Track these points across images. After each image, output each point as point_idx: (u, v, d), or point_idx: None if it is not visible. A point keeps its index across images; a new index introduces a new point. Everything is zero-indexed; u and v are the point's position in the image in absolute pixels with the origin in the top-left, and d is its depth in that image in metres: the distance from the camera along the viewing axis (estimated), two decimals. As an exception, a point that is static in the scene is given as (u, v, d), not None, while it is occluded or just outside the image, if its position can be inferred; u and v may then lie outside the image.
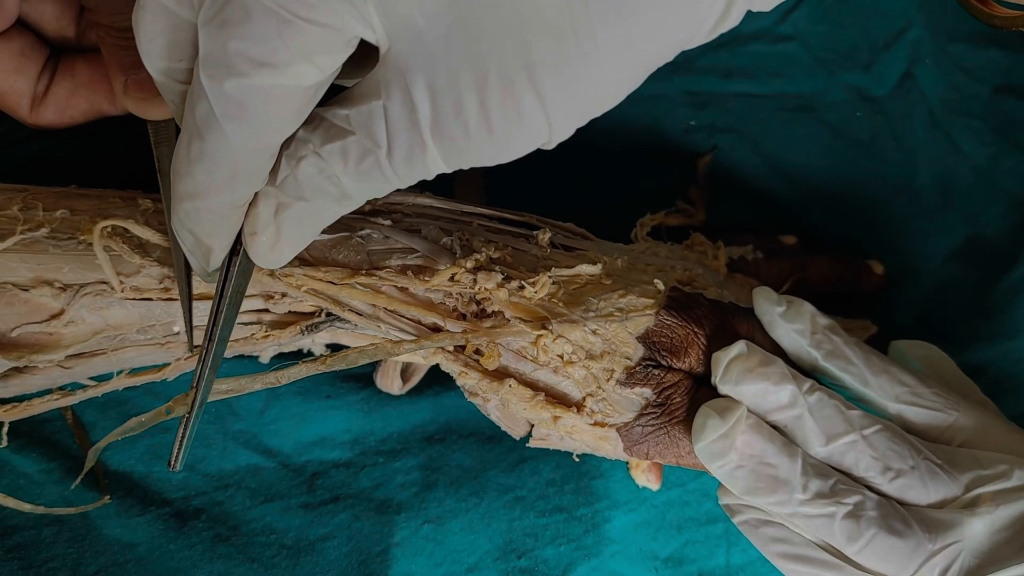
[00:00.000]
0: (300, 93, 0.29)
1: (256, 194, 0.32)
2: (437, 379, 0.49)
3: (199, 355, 0.37)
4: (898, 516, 0.38)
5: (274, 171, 0.31)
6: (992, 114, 0.57)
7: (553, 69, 0.28)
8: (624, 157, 0.55)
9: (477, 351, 0.42)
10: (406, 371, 0.48)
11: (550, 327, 0.40)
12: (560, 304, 0.41)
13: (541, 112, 0.29)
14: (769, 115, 0.57)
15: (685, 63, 0.56)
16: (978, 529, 0.38)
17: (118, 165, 0.46)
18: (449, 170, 0.31)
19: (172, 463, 0.37)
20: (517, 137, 0.30)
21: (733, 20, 0.30)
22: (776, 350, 0.43)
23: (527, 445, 0.43)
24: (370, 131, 0.30)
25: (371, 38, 0.29)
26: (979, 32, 0.58)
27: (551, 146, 0.31)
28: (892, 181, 0.56)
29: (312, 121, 0.31)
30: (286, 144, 0.31)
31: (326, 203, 0.32)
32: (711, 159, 0.55)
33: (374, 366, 0.48)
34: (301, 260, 0.40)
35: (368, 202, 0.43)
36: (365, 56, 0.30)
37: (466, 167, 0.31)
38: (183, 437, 0.37)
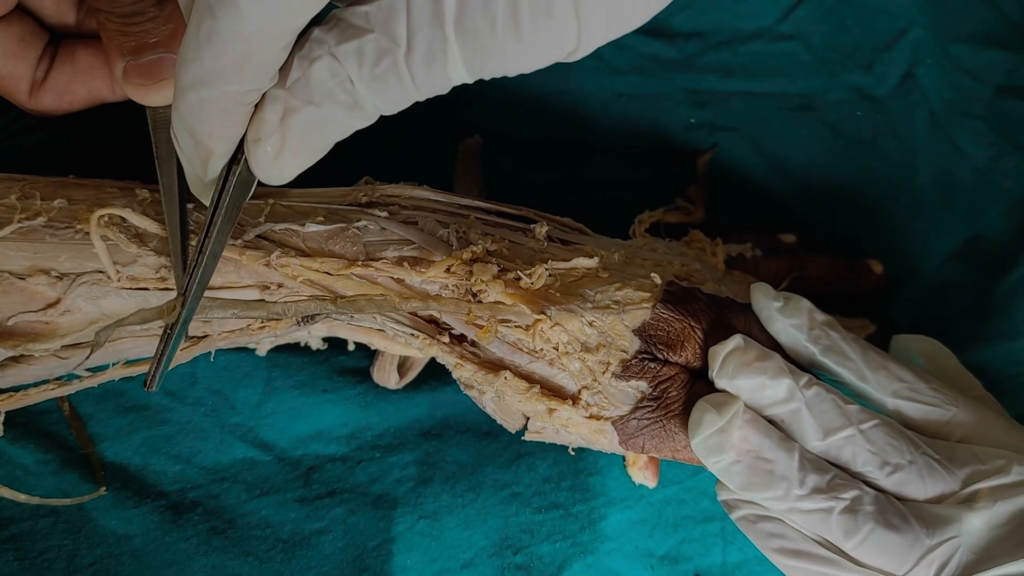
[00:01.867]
0: None
1: (263, 97, 0.30)
2: (434, 374, 0.49)
3: (188, 268, 0.35)
4: (896, 511, 0.38)
5: (284, 73, 0.30)
6: (993, 115, 0.57)
7: None
8: (624, 155, 0.55)
9: (473, 344, 0.42)
10: (403, 366, 0.48)
11: (548, 312, 0.40)
12: (557, 295, 0.41)
13: (572, 10, 0.28)
14: (770, 114, 0.57)
15: (686, 61, 0.57)
16: (976, 524, 0.38)
17: (117, 157, 0.47)
18: (470, 79, 0.29)
19: (148, 383, 0.36)
20: (545, 37, 0.28)
21: None
22: (773, 346, 0.43)
23: (522, 439, 0.43)
24: (389, 28, 0.28)
25: None
26: (980, 33, 0.58)
27: (576, 56, 0.29)
28: (892, 181, 0.56)
29: (329, 22, 0.29)
30: (299, 45, 0.29)
31: (336, 111, 0.30)
32: (711, 157, 0.55)
33: (371, 361, 0.48)
34: (297, 251, 0.40)
35: (365, 194, 0.43)
36: None
37: (487, 76, 0.29)
38: (162, 354, 0.36)
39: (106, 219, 0.39)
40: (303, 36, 0.29)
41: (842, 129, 0.57)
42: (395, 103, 0.30)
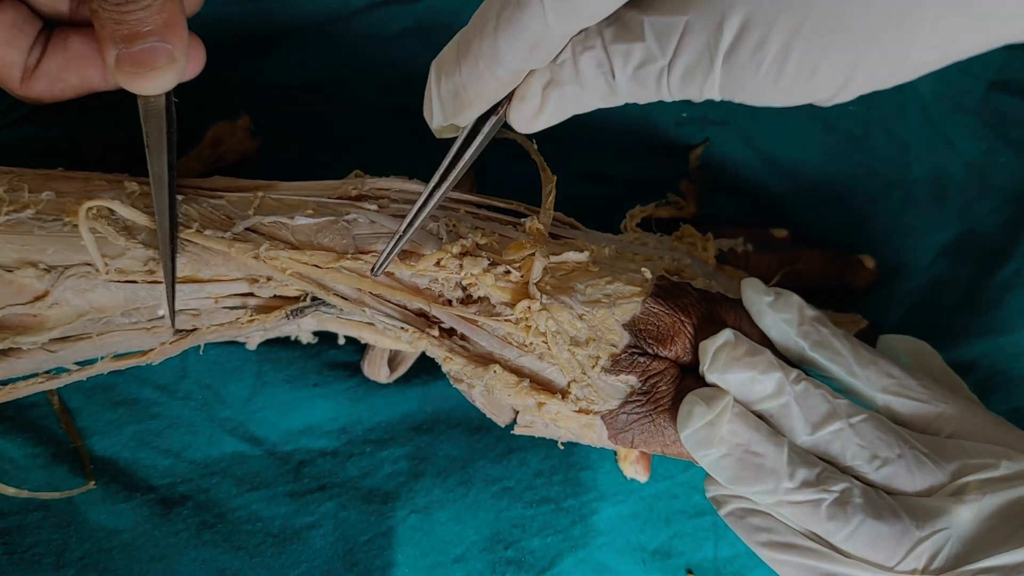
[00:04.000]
0: None
1: None
2: (425, 368, 0.49)
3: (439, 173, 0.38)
4: (885, 504, 0.38)
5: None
6: (985, 110, 0.57)
7: (870, 41, 0.30)
8: (615, 149, 0.55)
9: (463, 337, 0.41)
10: (393, 360, 0.48)
11: (537, 296, 0.40)
12: (548, 288, 0.40)
13: (842, 75, 0.31)
14: (761, 109, 0.57)
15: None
16: (966, 516, 0.38)
17: (105, 151, 0.46)
18: (718, 98, 0.33)
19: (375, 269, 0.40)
20: (801, 87, 0.32)
21: None
22: (763, 341, 0.43)
23: (512, 432, 0.43)
24: (661, 42, 0.32)
25: None
26: (973, 28, 0.58)
27: (828, 104, 0.33)
28: (884, 176, 0.56)
29: (609, 17, 0.32)
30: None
31: (592, 94, 0.34)
32: (703, 152, 0.55)
33: (361, 355, 0.48)
34: (287, 243, 0.40)
35: (355, 187, 0.43)
36: None
37: (736, 100, 0.33)
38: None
39: (94, 211, 0.39)
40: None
41: (834, 124, 0.57)
42: (644, 99, 0.34)
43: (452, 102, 0.35)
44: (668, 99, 0.34)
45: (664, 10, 0.32)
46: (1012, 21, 0.30)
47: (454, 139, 0.37)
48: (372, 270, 0.40)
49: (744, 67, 0.31)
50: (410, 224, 0.39)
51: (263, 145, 0.52)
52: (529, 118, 0.36)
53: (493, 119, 0.36)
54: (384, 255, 0.39)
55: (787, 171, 0.56)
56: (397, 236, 0.39)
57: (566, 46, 0.33)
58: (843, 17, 0.30)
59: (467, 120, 0.36)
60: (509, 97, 0.35)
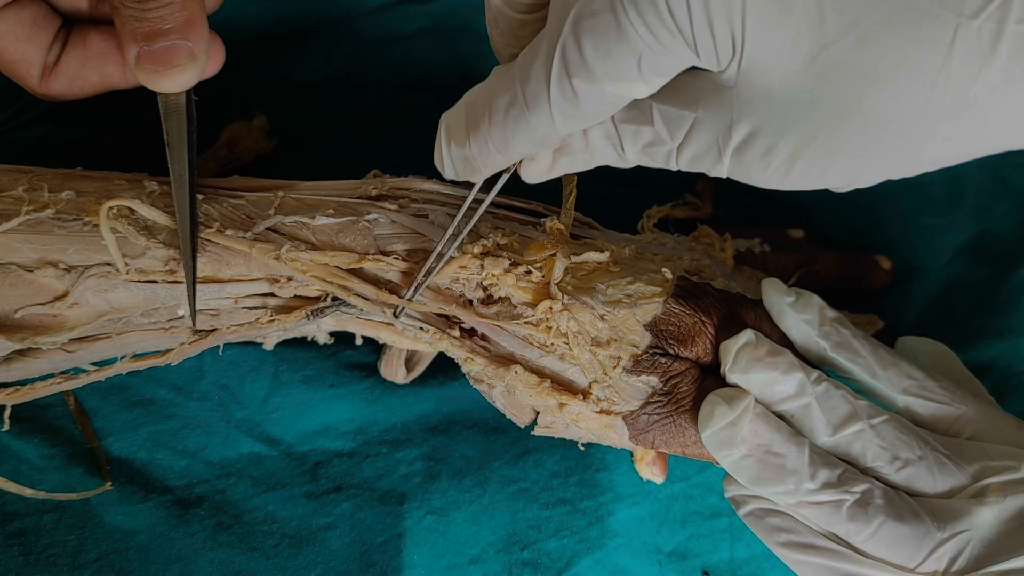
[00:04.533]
0: (627, 100, 0.31)
1: None
2: (441, 369, 0.49)
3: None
4: (906, 505, 0.38)
5: None
6: (1001, 110, 0.57)
7: (879, 153, 0.30)
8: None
9: (484, 338, 0.41)
10: (410, 360, 0.47)
11: (558, 296, 0.40)
12: (569, 288, 0.40)
13: (851, 176, 0.32)
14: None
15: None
16: (987, 518, 0.37)
17: (124, 150, 0.46)
18: (724, 176, 0.34)
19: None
20: (811, 183, 0.32)
21: None
22: (783, 342, 0.43)
23: (532, 433, 0.43)
24: (671, 129, 0.33)
25: (720, 76, 0.31)
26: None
27: (840, 191, 0.33)
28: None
29: None
30: None
31: (602, 159, 0.36)
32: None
33: (378, 355, 0.48)
34: (307, 244, 0.40)
35: (375, 187, 0.43)
36: None
37: (743, 182, 0.34)
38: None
39: (115, 211, 0.39)
40: None
41: (850, 124, 0.57)
42: (653, 165, 0.35)
43: (463, 167, 0.36)
44: (675, 169, 0.35)
45: (673, 101, 0.33)
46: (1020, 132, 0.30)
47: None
48: (404, 296, 0.41)
49: (752, 165, 0.32)
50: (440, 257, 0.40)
51: (279, 145, 0.52)
52: (539, 176, 0.38)
53: (504, 176, 0.38)
54: (414, 287, 0.40)
55: (803, 171, 0.56)
56: (425, 269, 0.40)
57: None
58: (852, 136, 0.30)
59: (481, 178, 0.38)
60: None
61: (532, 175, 0.38)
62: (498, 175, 0.38)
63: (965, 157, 0.31)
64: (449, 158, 0.37)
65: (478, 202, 0.40)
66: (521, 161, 0.37)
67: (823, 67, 0.29)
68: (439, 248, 0.40)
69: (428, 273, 0.40)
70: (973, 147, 0.30)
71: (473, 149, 0.35)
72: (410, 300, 0.40)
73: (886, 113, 0.29)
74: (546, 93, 0.31)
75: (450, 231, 0.40)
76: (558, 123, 0.32)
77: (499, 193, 0.45)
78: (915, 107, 0.29)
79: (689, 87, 0.33)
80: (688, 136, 0.33)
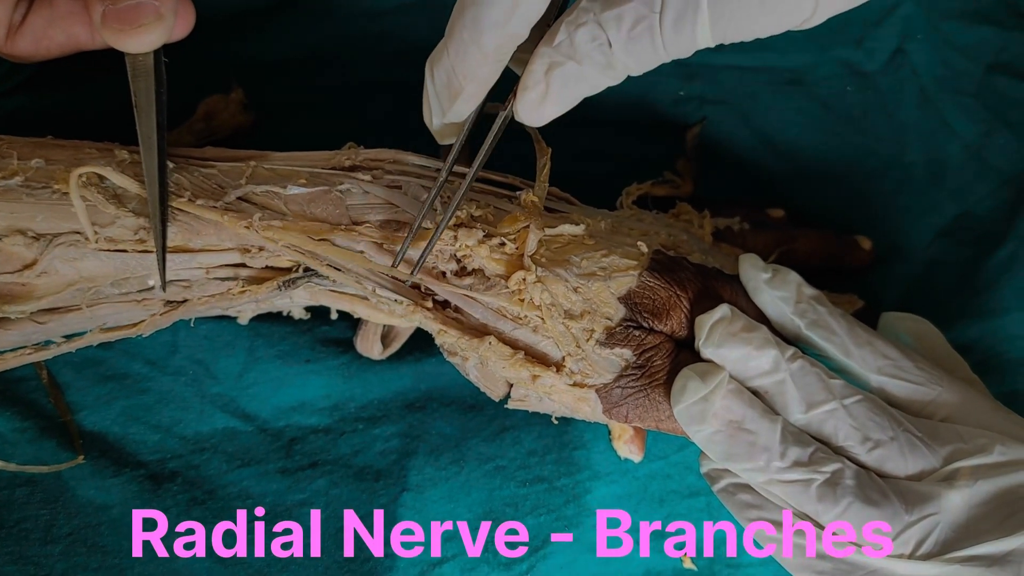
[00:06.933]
0: None
1: (533, 54, 0.35)
2: (418, 345, 0.48)
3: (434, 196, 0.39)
4: (875, 486, 0.38)
5: (552, 34, 0.34)
6: (984, 92, 0.57)
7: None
8: (612, 127, 0.55)
9: (457, 309, 0.41)
10: (387, 336, 0.47)
11: (532, 268, 0.39)
12: (543, 260, 0.40)
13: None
14: (759, 88, 0.57)
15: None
16: (956, 502, 0.37)
17: (96, 120, 0.46)
18: (712, 43, 0.33)
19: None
20: (788, 6, 0.32)
21: None
22: (759, 318, 0.42)
23: (505, 407, 0.43)
24: None
25: None
26: (971, 9, 0.58)
27: (809, 25, 0.33)
28: (882, 157, 0.56)
29: None
30: (568, 11, 0.34)
31: (592, 70, 0.34)
32: (700, 130, 0.54)
33: (354, 331, 0.47)
34: (279, 213, 0.40)
35: (348, 157, 0.43)
36: None
37: (727, 41, 0.33)
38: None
39: (84, 179, 0.38)
40: (574, 3, 0.35)
41: (832, 104, 0.56)
42: (644, 64, 0.34)
43: (446, 90, 0.36)
44: (665, 57, 0.34)
45: None
46: None
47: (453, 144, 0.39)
48: (393, 264, 0.40)
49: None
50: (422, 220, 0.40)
51: (257, 118, 0.51)
52: (536, 106, 0.36)
53: (502, 114, 0.37)
54: (401, 251, 0.40)
55: (784, 151, 0.56)
56: (410, 235, 0.40)
57: (560, 28, 0.34)
58: None
59: (464, 112, 0.37)
60: (514, 92, 0.36)
61: (528, 106, 0.36)
62: (481, 143, 0.38)
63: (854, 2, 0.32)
64: (434, 93, 0.37)
65: (461, 176, 0.40)
66: (516, 97, 0.36)
67: None
68: (448, 219, 0.39)
69: (429, 243, 0.39)
70: None
71: (451, 53, 0.35)
72: (395, 267, 0.40)
73: None
74: None
75: (438, 186, 0.39)
76: None
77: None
78: None
79: None
80: None
